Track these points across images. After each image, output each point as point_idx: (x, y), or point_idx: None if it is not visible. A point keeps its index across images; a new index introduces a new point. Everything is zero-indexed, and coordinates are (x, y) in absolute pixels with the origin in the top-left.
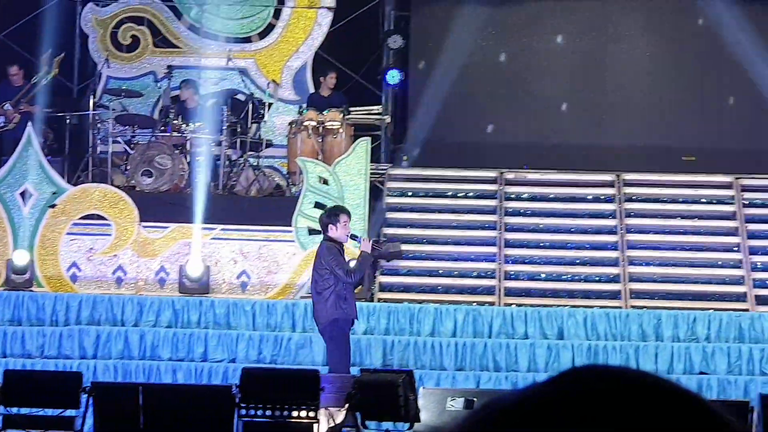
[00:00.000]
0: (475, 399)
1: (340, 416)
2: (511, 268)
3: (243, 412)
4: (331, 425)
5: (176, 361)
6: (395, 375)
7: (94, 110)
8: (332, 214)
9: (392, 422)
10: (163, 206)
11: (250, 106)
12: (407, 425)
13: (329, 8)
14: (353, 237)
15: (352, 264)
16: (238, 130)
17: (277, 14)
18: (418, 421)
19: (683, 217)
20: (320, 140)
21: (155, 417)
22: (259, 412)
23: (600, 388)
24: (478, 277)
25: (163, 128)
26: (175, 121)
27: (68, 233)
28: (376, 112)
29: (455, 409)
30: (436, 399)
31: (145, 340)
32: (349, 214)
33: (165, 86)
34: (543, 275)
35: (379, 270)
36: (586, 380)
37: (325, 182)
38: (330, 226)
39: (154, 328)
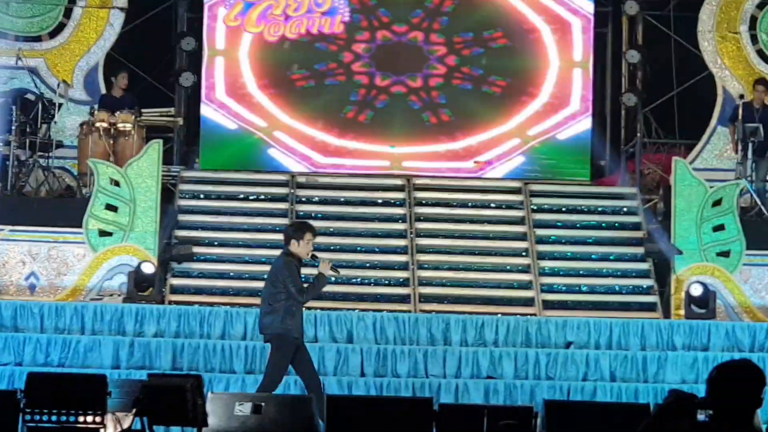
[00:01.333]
0: (263, 404)
1: (127, 421)
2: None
3: (28, 417)
4: (118, 430)
5: None
6: (183, 379)
7: None
8: (298, 229)
9: (180, 427)
10: None
11: (40, 106)
12: (195, 430)
13: (121, 9)
14: (313, 257)
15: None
16: (28, 130)
17: (68, 13)
18: (206, 425)
19: (473, 222)
20: (112, 142)
21: None
22: (45, 418)
23: None
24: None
25: None
26: None
27: None
28: (169, 114)
29: (243, 414)
30: (225, 403)
31: None
32: (314, 232)
33: None
34: (333, 279)
35: (170, 272)
36: None
37: (117, 184)
38: (293, 240)
39: None
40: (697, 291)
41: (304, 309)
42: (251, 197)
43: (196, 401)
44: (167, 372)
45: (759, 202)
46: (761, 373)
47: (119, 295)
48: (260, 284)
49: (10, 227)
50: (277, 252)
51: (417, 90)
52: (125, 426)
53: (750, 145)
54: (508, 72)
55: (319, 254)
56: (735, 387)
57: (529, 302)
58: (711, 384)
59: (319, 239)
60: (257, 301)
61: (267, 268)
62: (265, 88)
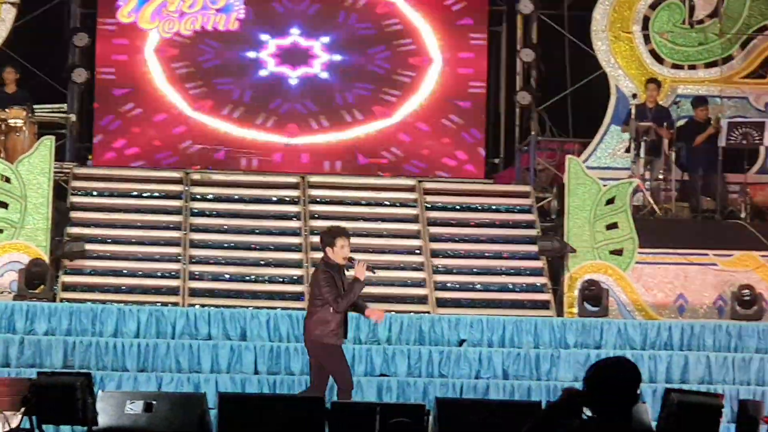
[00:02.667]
0: (154, 402)
1: (15, 420)
2: (196, 268)
3: None
4: (6, 429)
5: None
6: (73, 378)
7: None
8: (329, 235)
9: (70, 425)
10: None
11: None
12: (85, 428)
13: (13, 3)
14: (350, 260)
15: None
16: None
17: None
18: (96, 424)
19: (366, 220)
20: (3, 138)
21: None
22: None
23: None
24: (163, 277)
25: None
26: None
27: None
28: (61, 110)
29: (134, 412)
30: (115, 402)
31: None
32: (347, 235)
33: None
34: (227, 276)
35: (63, 270)
36: None
37: (8, 180)
38: (327, 248)
39: None
40: (589, 289)
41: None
42: (145, 194)
43: (86, 399)
44: (58, 370)
45: (651, 201)
46: (636, 370)
47: (9, 293)
48: (154, 281)
49: None
50: (170, 249)
51: (311, 87)
52: (14, 425)
53: (643, 144)
54: (406, 70)
55: (356, 256)
56: (610, 385)
57: (422, 300)
58: (587, 383)
59: (213, 237)
60: (150, 298)
61: (161, 265)
62: (160, 83)
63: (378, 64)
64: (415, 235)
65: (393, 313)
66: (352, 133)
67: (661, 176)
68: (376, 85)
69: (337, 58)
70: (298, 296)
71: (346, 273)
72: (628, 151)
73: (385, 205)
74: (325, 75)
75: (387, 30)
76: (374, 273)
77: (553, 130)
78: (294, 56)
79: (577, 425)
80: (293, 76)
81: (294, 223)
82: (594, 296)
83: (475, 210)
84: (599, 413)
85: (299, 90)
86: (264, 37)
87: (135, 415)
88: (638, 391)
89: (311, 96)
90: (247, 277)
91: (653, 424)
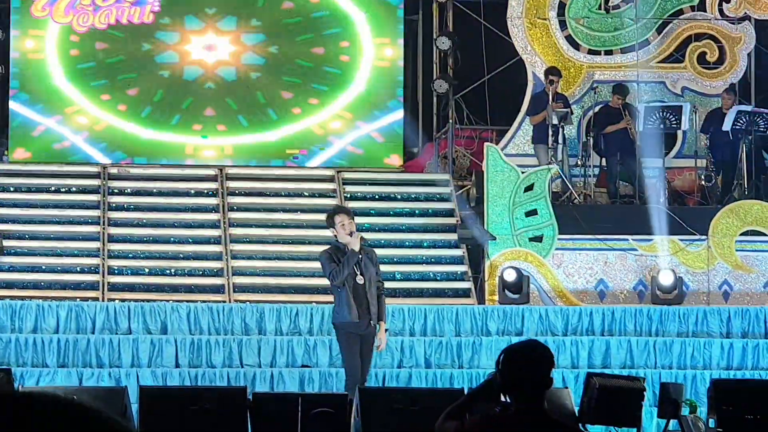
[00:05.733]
0: (75, 397)
1: None
2: (115, 263)
3: None
4: None
5: None
6: None
7: None
8: (328, 217)
9: None
10: None
11: None
12: None
13: None
14: (352, 234)
15: None
16: None
17: None
18: None
19: (286, 211)
20: None
21: None
22: None
23: None
24: (82, 272)
25: None
26: None
27: None
28: None
29: None
30: None
31: None
32: (345, 211)
33: None
34: (147, 270)
35: None
36: None
37: None
38: (332, 229)
39: None
40: (510, 276)
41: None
42: (62, 189)
43: None
44: None
45: (570, 187)
46: (547, 352)
47: None
48: (73, 276)
49: None
50: (88, 244)
51: (229, 79)
52: None
53: (560, 130)
54: (325, 60)
55: (354, 230)
56: (522, 369)
57: None
58: (498, 368)
59: (132, 230)
60: (70, 294)
61: (80, 260)
62: (74, 79)
63: (298, 55)
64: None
65: (314, 304)
66: (271, 124)
67: (580, 162)
68: (295, 75)
69: (255, 50)
70: (218, 289)
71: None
72: (534, 141)
73: (305, 196)
74: (243, 68)
75: (309, 21)
76: (362, 240)
77: (470, 118)
78: (211, 48)
79: (495, 411)
80: (210, 68)
81: (213, 216)
82: (514, 283)
83: (395, 199)
84: (513, 397)
85: (217, 83)
86: (179, 30)
87: None
88: (550, 374)
89: (230, 89)
90: (167, 271)
91: (576, 408)
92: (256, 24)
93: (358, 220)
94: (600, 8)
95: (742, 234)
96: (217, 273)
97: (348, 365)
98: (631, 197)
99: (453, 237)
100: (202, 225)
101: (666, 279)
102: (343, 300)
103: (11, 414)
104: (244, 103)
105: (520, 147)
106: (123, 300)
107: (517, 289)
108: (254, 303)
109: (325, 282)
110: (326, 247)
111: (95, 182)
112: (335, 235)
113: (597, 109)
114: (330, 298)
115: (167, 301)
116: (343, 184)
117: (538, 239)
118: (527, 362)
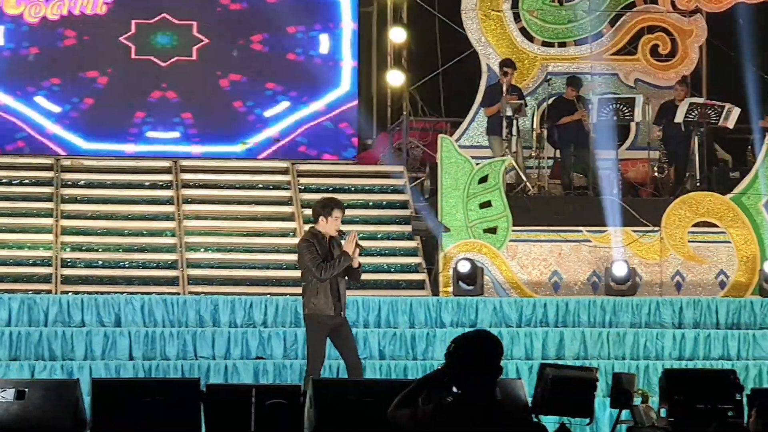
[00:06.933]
0: (26, 389)
1: None
2: (68, 255)
3: None
4: None
5: None
6: None
7: None
8: (326, 206)
9: None
10: None
11: None
12: None
13: None
14: (340, 233)
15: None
16: None
17: None
18: None
19: (240, 203)
20: None
21: None
22: None
23: None
24: (34, 265)
25: None
26: None
27: None
28: None
29: (6, 401)
30: None
31: None
32: (342, 208)
33: None
34: (100, 262)
35: None
36: None
37: None
38: (321, 218)
39: None
40: (464, 268)
41: (343, 286)
42: (14, 182)
43: None
44: None
45: (524, 178)
46: (496, 342)
47: None
48: (26, 269)
49: None
50: (41, 237)
51: (181, 73)
52: None
53: (514, 122)
54: (280, 53)
55: (345, 229)
56: (472, 358)
57: (298, 282)
58: (448, 357)
59: (85, 223)
60: (22, 286)
61: (33, 253)
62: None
63: (252, 48)
64: (290, 218)
65: (268, 296)
66: (225, 116)
67: (534, 154)
68: (248, 69)
69: (207, 41)
70: (172, 281)
71: (342, 244)
72: (488, 133)
73: (259, 188)
74: (195, 60)
75: (256, 14)
76: (362, 248)
77: (425, 110)
78: (163, 41)
79: (446, 400)
80: (164, 61)
81: (167, 208)
82: (469, 275)
83: (348, 191)
84: (462, 387)
85: (170, 74)
86: (133, 21)
87: (6, 404)
88: (500, 363)
89: (182, 80)
90: (121, 263)
91: (529, 399)
92: (207, 16)
93: (309, 212)
94: (554, 0)
95: (694, 225)
96: (172, 265)
97: (312, 356)
98: (585, 189)
99: (407, 229)
100: (156, 217)
101: (619, 270)
102: (320, 292)
103: None
104: (197, 95)
105: (475, 138)
106: (76, 292)
107: (472, 281)
108: (208, 295)
109: (281, 274)
110: (303, 235)
111: (48, 174)
112: (320, 225)
113: (551, 100)
114: (288, 290)
115: (121, 293)
116: (298, 176)
117: (493, 231)
118: (477, 352)
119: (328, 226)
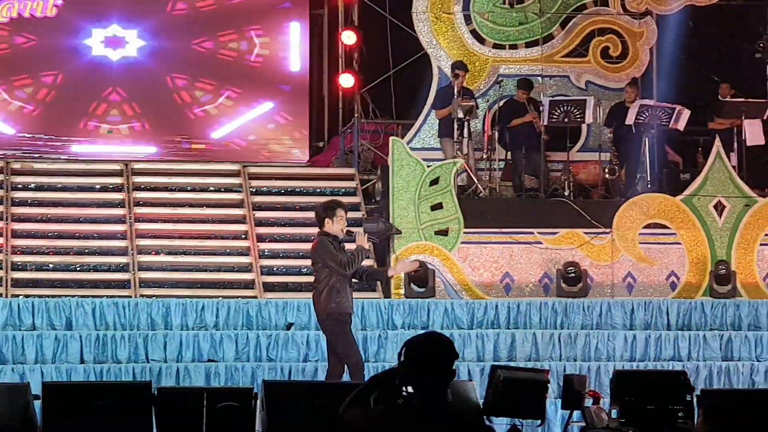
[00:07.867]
0: None
1: None
2: (19, 258)
3: None
4: None
5: None
6: None
7: None
8: (329, 207)
9: None
10: None
11: None
12: None
13: None
14: (348, 233)
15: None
16: None
17: None
18: None
19: (192, 206)
20: None
21: None
22: None
23: None
24: None
25: None
26: None
27: None
28: None
29: None
30: None
31: None
32: (346, 208)
33: None
34: (51, 265)
35: None
36: None
37: None
38: (326, 220)
39: None
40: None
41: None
42: None
43: None
44: None
45: (476, 180)
46: (449, 344)
47: None
48: None
49: None
50: None
51: (132, 74)
52: None
53: (466, 124)
54: (228, 56)
55: (353, 229)
56: (424, 360)
57: (249, 285)
58: (400, 359)
59: (35, 226)
60: None
61: None
62: None
63: (200, 50)
64: (241, 220)
65: (220, 298)
66: (176, 119)
67: (485, 156)
68: (199, 72)
69: (158, 44)
70: (124, 284)
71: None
72: (439, 135)
73: (210, 191)
74: (146, 61)
75: (208, 16)
76: (376, 240)
77: (376, 112)
78: (114, 43)
79: (397, 402)
80: (114, 63)
81: (118, 211)
82: (420, 277)
83: (300, 194)
84: (415, 389)
85: (120, 77)
86: (83, 23)
87: None
88: (452, 366)
89: (132, 83)
90: (72, 266)
91: (480, 401)
92: (156, 18)
93: (264, 214)
94: (504, 3)
95: (645, 227)
96: (123, 268)
97: (349, 352)
98: (536, 191)
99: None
100: (107, 220)
101: (571, 272)
102: (341, 290)
103: None
104: (149, 96)
105: (426, 141)
106: (27, 296)
107: (423, 283)
108: (160, 298)
109: (233, 276)
110: (319, 239)
111: None
112: (327, 227)
113: (502, 103)
114: (239, 292)
115: (72, 296)
116: (249, 178)
117: (444, 233)
118: (429, 354)
119: (335, 226)
